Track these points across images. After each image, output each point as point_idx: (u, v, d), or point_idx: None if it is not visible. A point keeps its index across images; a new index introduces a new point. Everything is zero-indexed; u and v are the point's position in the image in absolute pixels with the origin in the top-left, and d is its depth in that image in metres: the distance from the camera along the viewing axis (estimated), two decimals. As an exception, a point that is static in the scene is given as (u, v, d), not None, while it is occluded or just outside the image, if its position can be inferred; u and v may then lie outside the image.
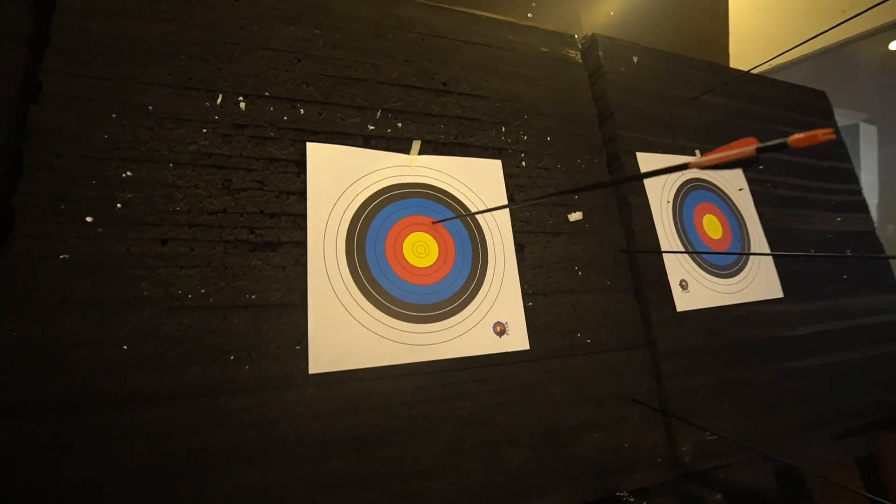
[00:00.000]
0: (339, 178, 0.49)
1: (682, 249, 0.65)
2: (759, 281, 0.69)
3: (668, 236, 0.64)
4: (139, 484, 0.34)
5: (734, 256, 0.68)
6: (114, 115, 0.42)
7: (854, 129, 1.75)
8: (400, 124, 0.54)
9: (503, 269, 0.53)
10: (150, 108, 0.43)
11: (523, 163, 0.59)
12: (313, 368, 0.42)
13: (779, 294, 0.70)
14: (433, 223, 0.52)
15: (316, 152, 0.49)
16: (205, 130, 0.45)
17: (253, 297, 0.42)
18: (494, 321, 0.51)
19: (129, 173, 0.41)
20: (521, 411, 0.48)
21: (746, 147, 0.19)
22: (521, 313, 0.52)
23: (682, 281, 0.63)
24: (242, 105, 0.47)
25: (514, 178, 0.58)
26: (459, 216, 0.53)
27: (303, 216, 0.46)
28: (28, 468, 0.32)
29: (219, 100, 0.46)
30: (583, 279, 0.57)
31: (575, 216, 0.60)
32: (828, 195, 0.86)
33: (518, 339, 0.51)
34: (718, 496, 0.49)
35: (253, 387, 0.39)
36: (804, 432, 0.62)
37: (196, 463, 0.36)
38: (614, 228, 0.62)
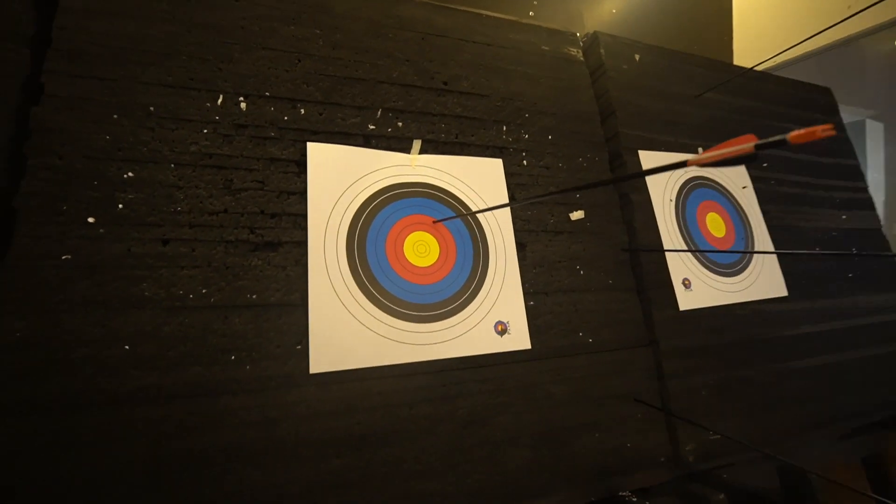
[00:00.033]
0: (340, 177, 0.49)
1: (685, 248, 0.64)
2: (763, 279, 0.69)
3: (670, 235, 0.64)
4: (140, 483, 0.34)
5: (737, 255, 0.68)
6: (115, 116, 0.42)
7: (860, 126, 1.73)
8: (400, 124, 0.54)
9: (504, 269, 0.53)
10: (152, 108, 0.43)
11: (524, 161, 0.59)
12: (314, 368, 0.42)
13: (783, 292, 0.69)
14: (434, 222, 0.51)
15: (316, 152, 0.49)
16: (206, 131, 0.45)
17: (254, 296, 0.42)
18: (496, 320, 0.51)
19: (130, 174, 0.41)
20: (522, 411, 0.48)
21: (745, 144, 0.19)
22: (523, 313, 0.52)
23: (685, 280, 0.62)
24: (243, 105, 0.47)
25: (516, 177, 0.58)
26: (460, 215, 0.53)
27: (303, 216, 0.46)
28: (29, 468, 0.32)
29: (219, 100, 0.46)
30: (584, 278, 0.57)
31: (576, 215, 0.59)
32: (833, 192, 0.85)
33: (519, 339, 0.51)
34: (721, 496, 0.49)
35: (254, 387, 0.40)
36: (808, 432, 0.62)
37: (196, 463, 0.36)
38: (616, 227, 0.62)
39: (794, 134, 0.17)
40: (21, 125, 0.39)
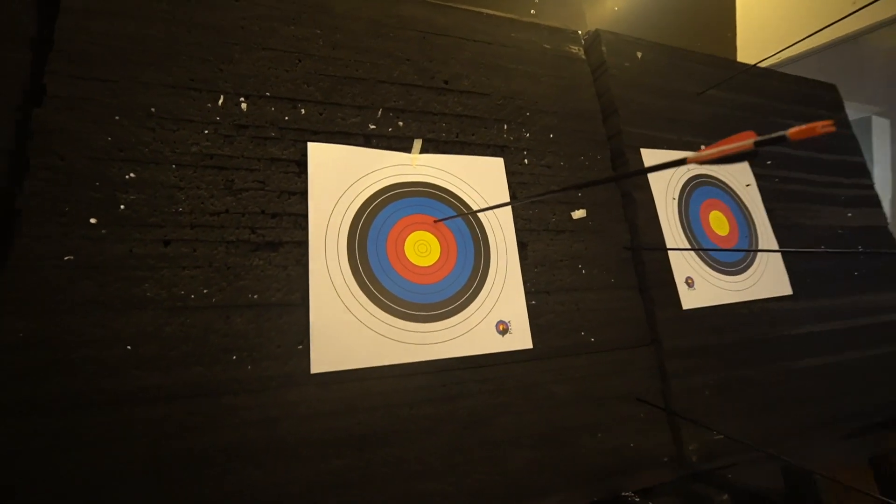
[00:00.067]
0: (341, 177, 0.49)
1: (688, 246, 0.64)
2: (768, 278, 0.68)
3: (673, 233, 0.63)
4: (140, 483, 0.35)
5: (741, 253, 0.67)
6: (117, 117, 0.42)
7: (866, 123, 1.72)
8: (401, 123, 0.54)
9: (506, 268, 0.53)
10: (153, 109, 0.44)
11: (526, 160, 0.59)
12: (315, 368, 0.42)
13: (787, 291, 0.69)
14: (435, 222, 0.51)
15: (317, 152, 0.49)
16: (206, 131, 0.45)
17: (255, 296, 0.42)
18: (497, 320, 0.50)
19: (132, 175, 0.41)
20: (524, 411, 0.48)
21: (745, 140, 0.18)
22: (524, 312, 0.52)
23: (688, 278, 0.62)
24: (244, 106, 0.47)
25: (517, 176, 0.58)
26: (461, 214, 0.52)
27: (304, 216, 0.46)
28: (29, 468, 0.33)
29: (220, 100, 0.46)
30: (586, 277, 0.57)
31: (578, 214, 0.59)
32: (838, 190, 0.84)
33: (521, 338, 0.51)
34: (725, 496, 0.48)
35: (255, 386, 0.40)
36: (812, 432, 0.61)
37: (197, 462, 0.36)
38: (618, 226, 0.62)
39: (794, 130, 0.17)
40: (23, 126, 0.39)
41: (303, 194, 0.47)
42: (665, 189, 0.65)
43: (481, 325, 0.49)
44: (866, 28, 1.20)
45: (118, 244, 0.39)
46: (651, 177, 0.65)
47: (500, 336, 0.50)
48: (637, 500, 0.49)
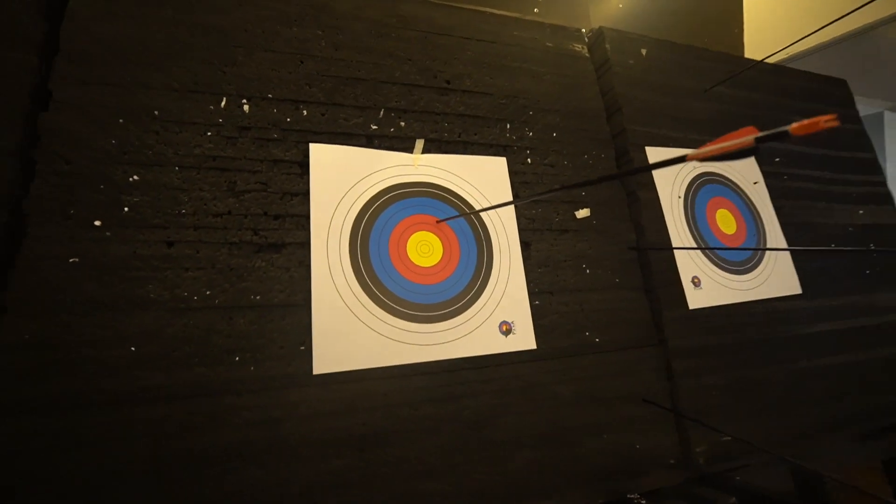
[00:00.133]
0: (343, 178, 0.49)
1: (694, 245, 0.63)
2: (776, 277, 0.67)
3: (679, 232, 0.63)
4: (141, 483, 0.35)
5: (749, 252, 0.66)
6: (121, 120, 0.43)
7: (878, 118, 1.69)
8: (403, 123, 0.54)
9: (509, 268, 0.53)
10: (156, 112, 0.44)
11: (529, 160, 0.59)
12: (317, 369, 0.42)
13: (797, 290, 0.68)
14: (437, 222, 0.51)
15: (319, 153, 0.49)
16: (209, 133, 0.45)
17: (257, 297, 0.42)
18: (500, 320, 0.50)
19: (135, 177, 0.42)
20: (527, 411, 0.48)
21: (746, 137, 0.18)
22: (528, 312, 0.52)
23: (695, 278, 0.61)
24: (246, 107, 0.47)
25: (520, 176, 0.57)
26: (464, 214, 0.52)
27: (306, 217, 0.46)
28: (29, 468, 0.33)
29: (223, 103, 0.47)
30: (591, 277, 0.56)
31: (582, 213, 0.59)
32: (849, 187, 0.83)
33: (524, 339, 0.50)
34: (733, 500, 0.48)
35: (257, 387, 0.40)
36: (822, 434, 0.60)
37: (197, 462, 0.36)
38: (623, 225, 0.61)
39: (796, 125, 0.16)
40: (30, 131, 0.40)
41: (305, 195, 0.47)
42: (671, 187, 0.64)
43: (484, 326, 0.49)
44: (878, 21, 1.18)
45: (122, 246, 0.40)
46: (656, 175, 0.64)
47: (504, 336, 0.50)
48: (643, 502, 0.48)
